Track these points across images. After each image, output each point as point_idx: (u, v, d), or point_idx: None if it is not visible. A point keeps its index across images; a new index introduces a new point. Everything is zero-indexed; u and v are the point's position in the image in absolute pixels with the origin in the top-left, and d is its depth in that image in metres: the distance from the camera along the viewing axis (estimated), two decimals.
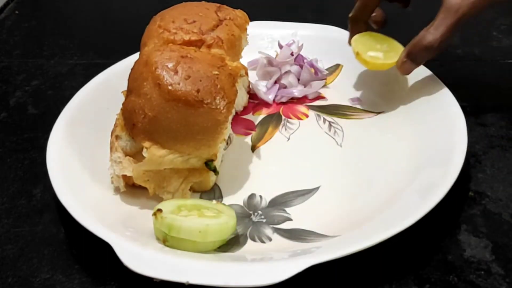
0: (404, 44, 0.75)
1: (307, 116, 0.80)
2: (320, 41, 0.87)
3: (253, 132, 0.78)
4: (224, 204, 0.66)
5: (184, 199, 0.67)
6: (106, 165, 0.68)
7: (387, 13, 0.81)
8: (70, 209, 0.63)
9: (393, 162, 0.70)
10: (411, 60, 0.73)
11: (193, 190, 0.69)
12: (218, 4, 0.76)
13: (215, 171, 0.68)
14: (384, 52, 0.77)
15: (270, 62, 0.85)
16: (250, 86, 0.83)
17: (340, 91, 0.83)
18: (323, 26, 0.90)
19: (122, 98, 0.70)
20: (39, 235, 0.66)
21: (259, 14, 0.87)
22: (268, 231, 0.65)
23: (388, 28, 0.80)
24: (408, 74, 0.75)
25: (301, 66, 0.83)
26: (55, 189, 0.65)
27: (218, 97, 0.65)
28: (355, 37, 0.79)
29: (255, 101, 0.83)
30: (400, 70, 0.75)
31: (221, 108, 0.65)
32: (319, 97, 0.82)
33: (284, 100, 0.82)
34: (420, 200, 0.62)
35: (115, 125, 0.70)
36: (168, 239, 0.60)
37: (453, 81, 0.81)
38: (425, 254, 0.61)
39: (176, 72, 0.65)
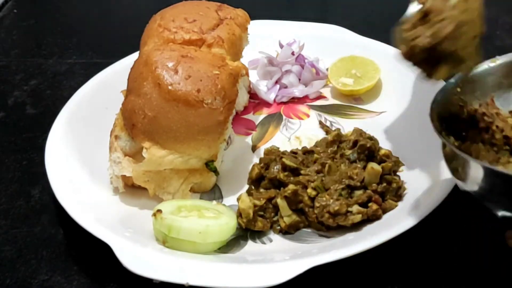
0: None
1: (308, 116, 0.79)
2: (321, 40, 0.86)
3: (254, 132, 0.77)
4: (224, 204, 0.66)
5: (184, 199, 0.66)
6: (105, 165, 0.68)
7: (389, 13, 0.79)
8: (69, 209, 0.63)
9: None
10: None
11: (193, 190, 0.68)
12: (218, 3, 0.75)
13: (215, 171, 0.68)
14: (355, 78, 0.80)
15: (271, 61, 0.84)
16: (251, 86, 0.83)
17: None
18: (325, 26, 0.89)
19: (121, 98, 0.69)
20: (38, 236, 0.65)
21: (260, 13, 0.87)
22: (268, 232, 0.64)
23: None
24: None
25: (302, 66, 0.83)
26: (54, 189, 0.65)
27: (218, 97, 0.65)
28: (335, 61, 0.82)
29: (255, 100, 0.82)
30: None
31: (222, 108, 0.65)
32: (320, 96, 0.82)
33: (285, 99, 0.82)
34: (422, 201, 0.61)
35: (115, 125, 0.70)
36: (168, 240, 0.60)
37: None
38: (428, 256, 0.61)
39: (176, 72, 0.64)
